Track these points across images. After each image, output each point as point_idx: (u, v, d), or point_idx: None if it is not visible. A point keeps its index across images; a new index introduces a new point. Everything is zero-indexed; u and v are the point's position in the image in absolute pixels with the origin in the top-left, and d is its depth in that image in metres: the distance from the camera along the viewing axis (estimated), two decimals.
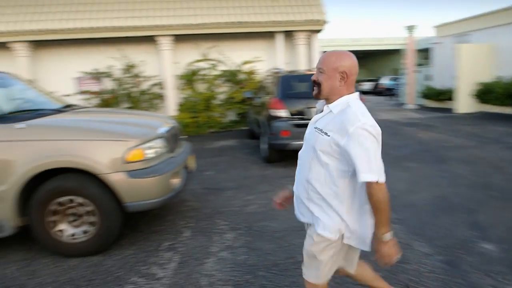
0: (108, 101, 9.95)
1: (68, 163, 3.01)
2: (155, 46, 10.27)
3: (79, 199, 3.08)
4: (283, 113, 5.71)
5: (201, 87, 10.46)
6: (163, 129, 3.68)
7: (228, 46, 10.65)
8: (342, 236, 1.64)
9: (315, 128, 1.64)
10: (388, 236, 1.55)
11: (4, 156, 3.00)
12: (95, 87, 10.18)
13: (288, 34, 10.64)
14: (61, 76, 10.04)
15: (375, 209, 1.53)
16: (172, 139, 3.77)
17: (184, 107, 10.26)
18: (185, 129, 8.70)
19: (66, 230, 3.14)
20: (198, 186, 5.06)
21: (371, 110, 1.67)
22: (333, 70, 1.57)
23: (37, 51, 10.06)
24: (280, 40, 10.58)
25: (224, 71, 10.50)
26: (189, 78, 10.40)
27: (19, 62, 9.76)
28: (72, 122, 3.50)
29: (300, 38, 10.58)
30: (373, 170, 1.47)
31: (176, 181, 3.42)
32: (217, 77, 10.49)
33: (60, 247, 3.16)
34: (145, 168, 3.17)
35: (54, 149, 3.03)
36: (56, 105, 4.09)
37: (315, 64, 10.94)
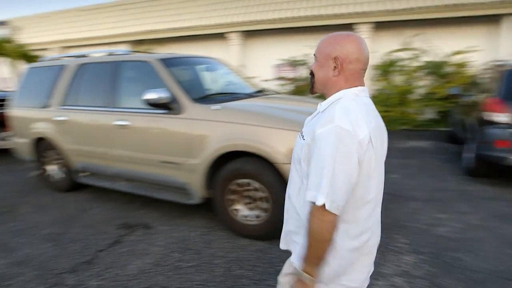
0: (301, 88, 10.29)
1: (250, 147, 3.08)
2: None
3: (256, 184, 3.13)
4: (504, 117, 4.45)
5: (397, 79, 9.52)
6: None
7: (435, 34, 9.27)
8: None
9: (301, 132, 1.31)
10: (307, 278, 1.17)
11: (200, 133, 3.32)
12: (290, 74, 10.70)
13: None
14: (264, 63, 11.01)
15: (308, 239, 1.15)
16: None
17: (376, 99, 9.59)
18: None
19: (241, 210, 3.28)
20: None
21: None
22: (326, 57, 1.23)
23: (247, 40, 11.28)
24: (509, 25, 8.47)
25: (428, 62, 9.21)
26: (385, 69, 9.62)
27: (232, 50, 11.21)
28: (259, 107, 3.59)
29: None
30: (322, 188, 1.08)
31: None
32: (418, 68, 9.30)
33: (234, 225, 3.32)
34: None
35: (240, 132, 3.15)
36: (250, 90, 4.33)
37: None
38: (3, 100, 6.60)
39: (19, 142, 5.09)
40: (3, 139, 6.57)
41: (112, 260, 3.02)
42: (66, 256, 3.12)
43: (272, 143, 3.01)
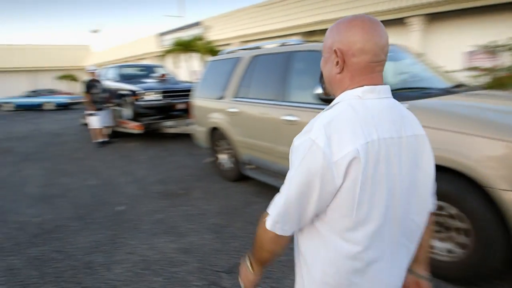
0: (502, 80, 8.23)
1: (447, 160, 2.32)
2: None
3: (452, 210, 2.36)
4: None
5: None
6: None
7: None
8: None
9: None
10: (249, 267, 1.15)
11: None
12: (487, 63, 8.69)
13: None
14: (451, 50, 9.31)
15: (254, 240, 1.08)
16: None
17: None
18: None
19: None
20: None
21: None
22: (328, 50, 0.97)
23: (430, 24, 9.75)
24: None
25: None
26: None
27: (411, 36, 9.90)
28: (463, 108, 2.73)
29: None
30: (275, 206, 0.97)
31: None
32: None
33: None
34: None
35: (434, 139, 2.41)
36: (445, 84, 3.43)
37: None
38: (188, 90, 7.42)
39: (198, 130, 5.52)
40: (186, 125, 7.40)
41: (268, 268, 2.79)
42: (226, 253, 3.06)
43: (482, 157, 2.19)
